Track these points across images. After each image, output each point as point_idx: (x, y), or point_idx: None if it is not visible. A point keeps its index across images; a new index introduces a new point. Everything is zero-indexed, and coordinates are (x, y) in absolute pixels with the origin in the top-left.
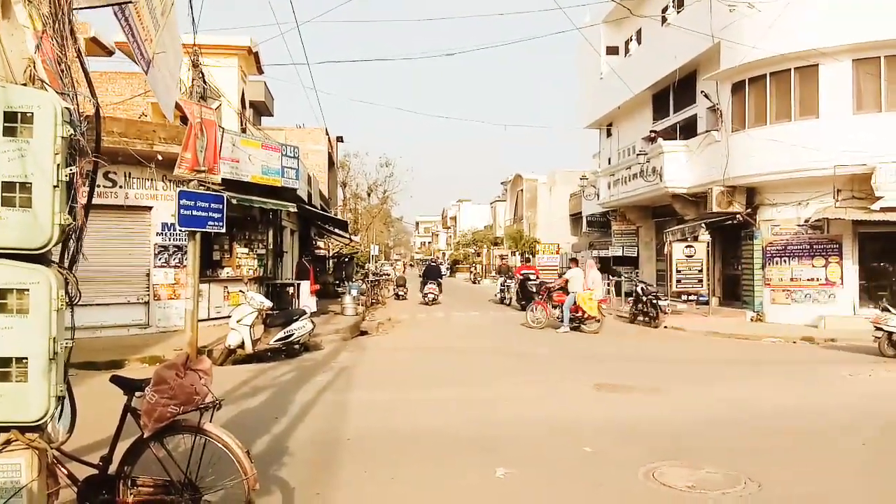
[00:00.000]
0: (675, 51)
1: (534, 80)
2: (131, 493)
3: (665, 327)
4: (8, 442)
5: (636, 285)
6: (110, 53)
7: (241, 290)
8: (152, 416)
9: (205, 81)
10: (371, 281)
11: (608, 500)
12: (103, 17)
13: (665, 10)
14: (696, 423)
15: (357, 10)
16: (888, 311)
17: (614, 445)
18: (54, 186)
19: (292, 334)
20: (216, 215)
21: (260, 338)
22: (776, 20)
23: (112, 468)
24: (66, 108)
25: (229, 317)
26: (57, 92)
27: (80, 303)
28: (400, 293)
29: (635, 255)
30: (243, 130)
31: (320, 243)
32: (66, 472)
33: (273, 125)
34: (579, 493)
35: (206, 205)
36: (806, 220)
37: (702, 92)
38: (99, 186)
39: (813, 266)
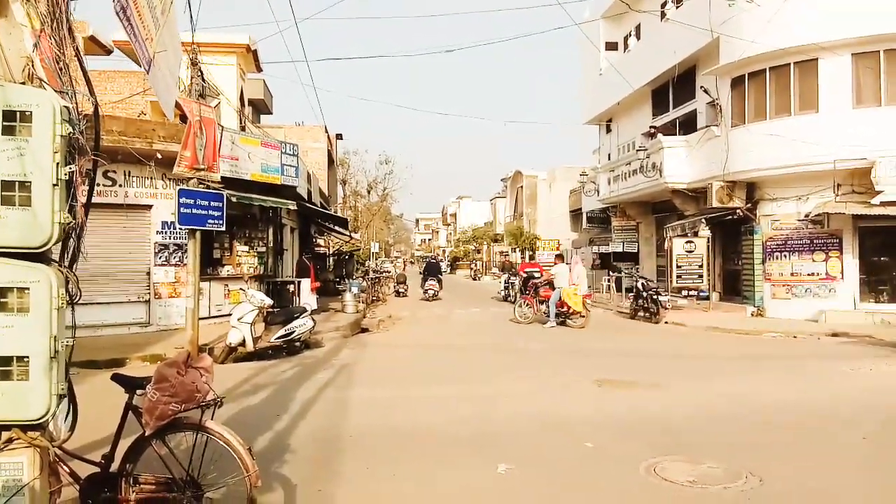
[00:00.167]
0: (674, 46)
1: (533, 77)
2: (133, 491)
3: (665, 323)
4: (10, 440)
5: (636, 281)
6: (109, 52)
7: (241, 288)
8: (154, 414)
9: (203, 79)
10: (371, 278)
11: (609, 496)
12: (101, 16)
13: (664, 5)
14: (696, 418)
15: (355, 8)
16: None
17: (615, 441)
18: (54, 185)
19: (293, 332)
20: (216, 213)
21: (261, 336)
22: (775, 15)
23: (114, 466)
24: (65, 106)
25: (230, 315)
26: (56, 90)
27: (80, 301)
28: (400, 290)
29: (635, 250)
30: (242, 128)
31: (320, 241)
32: (68, 470)
33: (272, 123)
34: (580, 488)
35: (206, 203)
36: (806, 215)
37: (701, 87)
38: (99, 185)
39: (813, 261)
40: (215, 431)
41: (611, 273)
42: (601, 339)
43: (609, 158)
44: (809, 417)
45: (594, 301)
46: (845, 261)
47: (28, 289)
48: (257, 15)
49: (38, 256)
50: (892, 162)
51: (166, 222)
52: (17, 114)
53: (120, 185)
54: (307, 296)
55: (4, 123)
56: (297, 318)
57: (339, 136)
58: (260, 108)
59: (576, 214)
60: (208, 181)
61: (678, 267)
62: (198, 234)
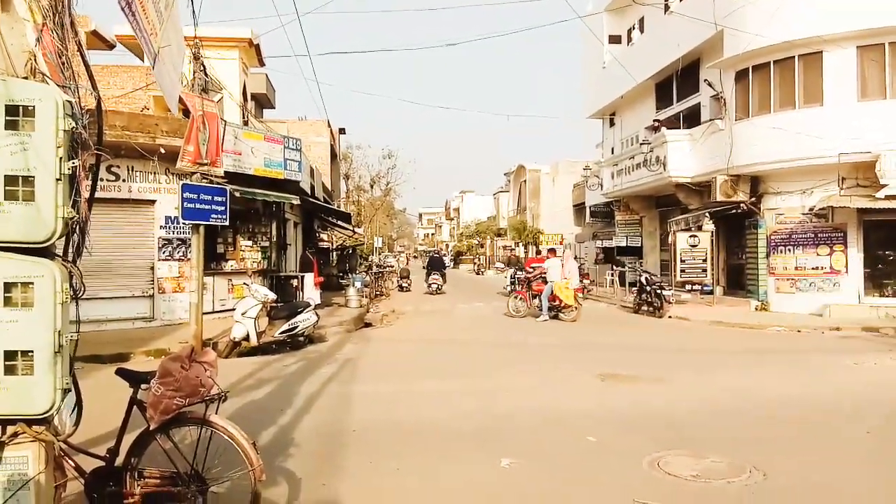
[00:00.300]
0: (677, 39)
1: (536, 70)
2: (138, 485)
3: (669, 317)
4: (15, 434)
5: (640, 275)
6: (111, 47)
7: (245, 283)
8: (158, 409)
9: (206, 74)
10: (375, 273)
11: (613, 490)
12: (104, 11)
13: None
14: (700, 412)
15: (357, 1)
16: None
17: (618, 435)
18: (57, 180)
19: (297, 326)
20: (219, 208)
21: (264, 330)
22: (780, 7)
23: (119, 460)
24: (68, 101)
25: (234, 309)
26: (58, 85)
27: (84, 296)
28: (404, 285)
29: (639, 244)
30: (245, 123)
31: (324, 235)
32: (73, 464)
33: (275, 117)
34: (583, 482)
35: (210, 198)
36: (810, 209)
37: (705, 80)
38: (102, 180)
39: (817, 254)
40: (220, 426)
41: (614, 267)
42: (605, 334)
43: (612, 152)
44: (813, 412)
45: (598, 296)
46: (850, 255)
47: (32, 284)
48: (260, 9)
49: (41, 251)
50: None
51: (170, 217)
52: (20, 108)
53: (123, 180)
54: (311, 290)
55: (7, 118)
56: (301, 312)
57: (341, 131)
58: (263, 102)
59: (579, 208)
60: (211, 176)
61: (682, 261)
62: (201, 229)
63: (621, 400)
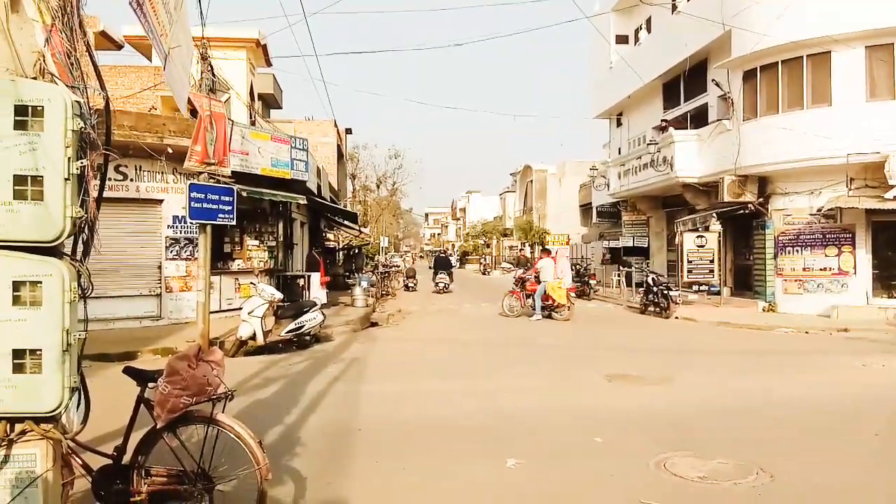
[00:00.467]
0: (685, 39)
1: (543, 71)
2: (145, 483)
3: (676, 318)
4: (23, 432)
5: (647, 276)
6: (119, 47)
7: (252, 282)
8: (165, 407)
9: (214, 74)
10: (381, 272)
11: (619, 491)
12: (112, 11)
13: None
14: (707, 413)
15: (364, 2)
16: None
17: (625, 436)
18: (65, 179)
19: (303, 326)
20: (226, 208)
21: (271, 329)
22: (788, 7)
23: (126, 458)
24: (77, 101)
25: (240, 309)
26: (67, 85)
27: (92, 295)
28: (410, 284)
29: (646, 245)
30: (252, 123)
31: (330, 235)
32: (80, 462)
33: (282, 117)
34: (590, 483)
35: (217, 197)
36: (818, 209)
37: (713, 80)
38: (110, 180)
39: (825, 255)
40: (226, 424)
41: (621, 268)
42: (611, 334)
43: (619, 152)
44: (821, 413)
45: (605, 296)
46: (858, 255)
47: (41, 282)
48: (267, 10)
49: (50, 250)
50: None
51: (177, 217)
52: (29, 108)
53: (131, 180)
54: (317, 290)
55: (16, 118)
56: (307, 312)
57: (348, 131)
58: (270, 102)
59: (586, 209)
60: (219, 176)
61: (689, 262)
62: (208, 229)
63: (628, 400)
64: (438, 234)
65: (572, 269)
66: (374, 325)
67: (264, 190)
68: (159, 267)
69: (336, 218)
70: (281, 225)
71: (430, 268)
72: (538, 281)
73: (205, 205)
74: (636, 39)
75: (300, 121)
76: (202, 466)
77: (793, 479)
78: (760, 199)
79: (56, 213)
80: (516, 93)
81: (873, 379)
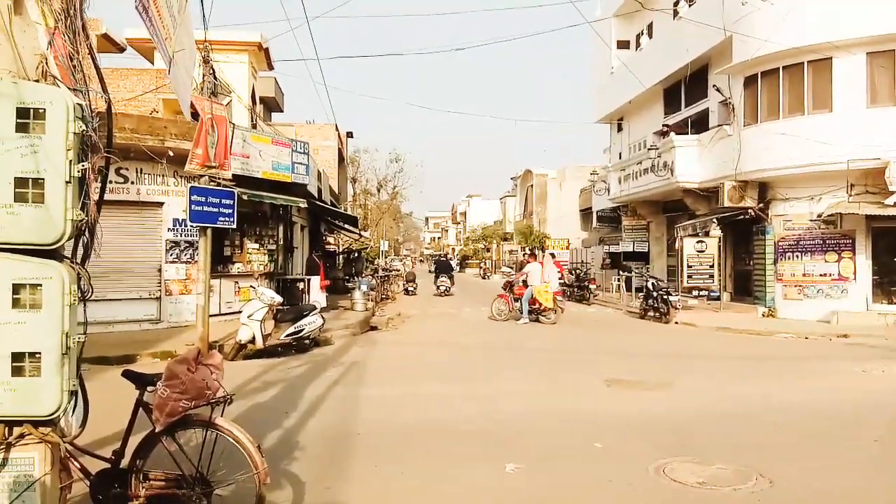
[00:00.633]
0: (686, 44)
1: (544, 76)
2: (143, 487)
3: (676, 323)
4: (21, 436)
5: (647, 281)
6: (121, 50)
7: (251, 286)
8: (164, 411)
9: (215, 77)
10: (381, 276)
11: (618, 496)
12: (114, 14)
13: (677, 3)
14: (707, 418)
15: (366, 6)
16: None
17: (624, 441)
18: (66, 182)
19: (302, 329)
20: (227, 211)
21: (270, 333)
22: (789, 13)
23: (124, 462)
24: (78, 104)
25: (240, 312)
26: (69, 88)
27: (92, 298)
28: (409, 288)
29: (646, 250)
30: (254, 126)
31: (330, 239)
32: (78, 465)
33: (283, 121)
34: (589, 488)
35: (217, 200)
36: (819, 215)
37: (714, 86)
38: (111, 182)
39: (825, 261)
40: (225, 428)
41: (621, 272)
42: (611, 339)
43: (620, 157)
44: (821, 419)
45: (604, 301)
46: (858, 261)
47: (41, 285)
48: (269, 13)
49: (50, 253)
50: None
51: (178, 219)
52: (31, 111)
53: (132, 183)
54: (317, 293)
55: (18, 121)
56: (307, 315)
57: (349, 135)
58: (271, 106)
59: (586, 213)
60: (219, 179)
61: (689, 267)
62: (209, 232)
63: (627, 405)
64: (439, 238)
65: (572, 274)
66: (373, 328)
67: (265, 193)
68: (159, 270)
69: (336, 221)
70: (281, 228)
71: (430, 271)
72: (526, 285)
73: (205, 208)
74: (637, 45)
75: (301, 124)
76: (200, 470)
77: (792, 485)
78: (761, 205)
79: (57, 216)
80: (518, 97)
81: (873, 385)
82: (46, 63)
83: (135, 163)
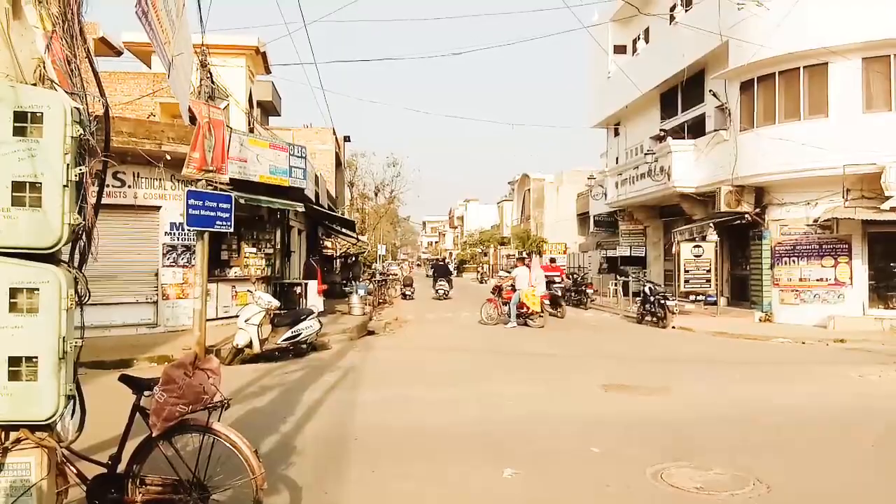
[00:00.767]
0: (683, 49)
1: (541, 80)
2: (140, 492)
3: (673, 327)
4: (18, 440)
5: (644, 285)
6: (119, 54)
7: (248, 290)
8: (161, 416)
9: (213, 81)
10: (378, 281)
11: (616, 501)
12: (111, 18)
13: (673, 8)
14: (704, 423)
15: (363, 10)
16: None
17: (622, 445)
18: (64, 186)
19: (300, 334)
20: (224, 215)
21: (267, 337)
22: (785, 18)
23: (121, 467)
24: (76, 107)
25: (237, 316)
26: (66, 92)
27: (88, 302)
28: (407, 293)
29: (643, 254)
30: (251, 130)
31: (328, 243)
32: (75, 470)
33: (280, 125)
34: (587, 493)
35: (215, 204)
36: (815, 220)
37: (710, 91)
38: (108, 186)
39: (822, 266)
40: (222, 433)
41: (618, 277)
42: (608, 344)
43: (617, 162)
44: (818, 424)
45: (601, 305)
46: (854, 266)
47: (38, 289)
48: (266, 17)
49: (47, 257)
50: None
51: (175, 223)
52: (29, 115)
53: (129, 187)
54: (314, 298)
55: (16, 124)
56: (304, 320)
57: (346, 139)
58: (268, 109)
59: (583, 218)
60: (217, 183)
61: (686, 271)
62: (206, 236)
63: (625, 410)
64: (436, 243)
65: (569, 278)
66: (371, 333)
67: (262, 197)
68: (156, 274)
69: (334, 226)
70: (278, 232)
71: (427, 276)
72: (514, 289)
73: (202, 212)
74: (634, 50)
75: (299, 128)
76: (197, 476)
77: (789, 490)
78: (757, 210)
79: (54, 220)
80: (515, 102)
81: (870, 389)
82: (44, 67)
83: (132, 167)
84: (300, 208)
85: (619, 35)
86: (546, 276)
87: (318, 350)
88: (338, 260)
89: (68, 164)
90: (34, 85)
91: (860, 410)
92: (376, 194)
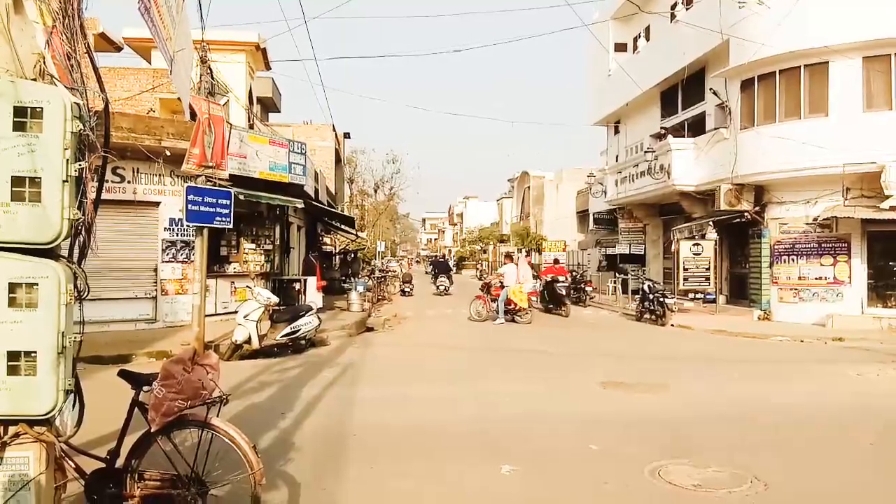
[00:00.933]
0: (683, 48)
1: (542, 78)
2: (138, 487)
3: (672, 325)
4: (17, 435)
5: (643, 283)
6: (119, 49)
7: (247, 286)
8: (159, 411)
9: (213, 77)
10: (377, 277)
11: (614, 499)
12: (111, 13)
13: (674, 6)
14: (702, 421)
15: (363, 7)
16: None
17: (620, 443)
18: (63, 181)
19: (299, 330)
20: (224, 211)
21: (266, 333)
22: (786, 17)
23: (119, 462)
24: (76, 103)
25: (236, 312)
26: (66, 87)
27: (88, 297)
28: (406, 289)
29: (642, 252)
30: (251, 126)
31: (327, 239)
32: (73, 465)
33: (280, 121)
34: (585, 491)
35: (214, 200)
36: (814, 219)
37: (710, 89)
38: (107, 182)
39: (821, 265)
40: (220, 429)
41: (617, 275)
42: (606, 341)
43: (617, 160)
44: (816, 422)
45: (600, 303)
46: (853, 265)
47: (37, 284)
48: (267, 13)
49: (47, 252)
50: None
51: (174, 219)
52: (29, 110)
53: (128, 182)
54: (313, 294)
55: (16, 119)
56: (303, 316)
57: (346, 135)
58: (268, 106)
59: (583, 216)
60: (216, 179)
61: (685, 269)
62: (205, 232)
63: (623, 408)
64: (435, 240)
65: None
66: (369, 329)
67: (261, 193)
68: (155, 269)
69: (333, 222)
70: (278, 228)
71: (426, 272)
72: (503, 286)
73: (202, 207)
74: (635, 48)
75: (298, 125)
76: (196, 471)
77: (787, 488)
78: (757, 208)
79: (53, 215)
80: (516, 99)
81: (868, 388)
82: (44, 62)
83: (131, 162)
84: (300, 205)
85: (619, 33)
86: (550, 277)
87: (317, 346)
88: (337, 256)
89: (68, 160)
90: (34, 80)
91: (858, 409)
92: (376, 191)
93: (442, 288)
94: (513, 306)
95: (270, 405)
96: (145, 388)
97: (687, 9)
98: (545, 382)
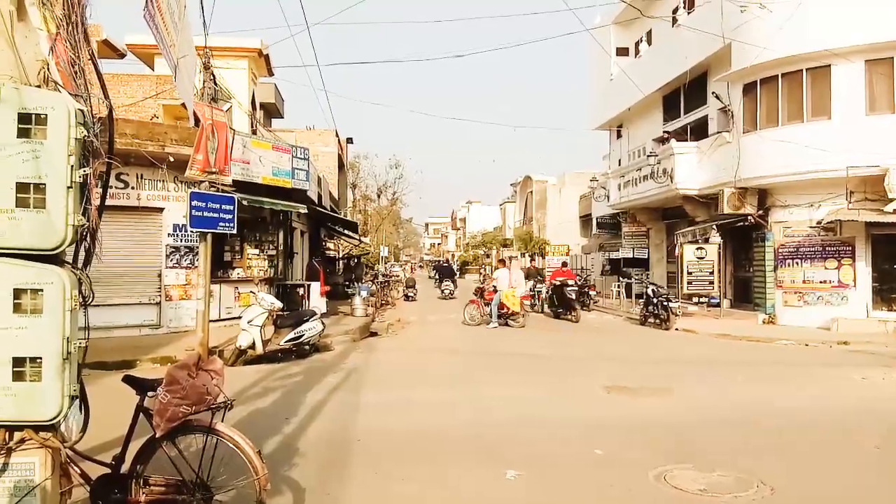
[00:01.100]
0: (685, 52)
1: (544, 83)
2: (143, 493)
3: (676, 329)
4: (22, 441)
5: (647, 287)
6: (122, 56)
7: (251, 291)
8: (164, 416)
9: (216, 83)
10: (380, 282)
11: (619, 503)
12: (115, 20)
13: (676, 10)
14: (707, 425)
15: (366, 13)
16: None
17: (624, 448)
18: (68, 187)
19: (303, 335)
20: (227, 216)
21: (270, 338)
22: (788, 21)
23: (124, 467)
24: (80, 109)
25: (240, 317)
26: (70, 94)
27: (92, 303)
28: (409, 294)
29: (646, 256)
30: (254, 132)
31: (330, 244)
32: (79, 470)
33: (283, 127)
34: (589, 495)
35: (217, 206)
36: (818, 222)
37: (713, 93)
38: (111, 188)
39: (825, 268)
40: (225, 434)
41: (621, 279)
42: (610, 346)
43: (619, 164)
44: (821, 426)
45: (604, 307)
46: (858, 268)
47: (42, 290)
48: (269, 19)
49: (52, 258)
50: None
51: (178, 225)
52: (33, 116)
53: (132, 188)
54: (317, 299)
55: (20, 126)
56: (307, 321)
57: (349, 140)
58: (271, 111)
59: (586, 220)
60: (220, 184)
61: (689, 273)
62: (209, 237)
63: (627, 412)
64: (438, 244)
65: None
66: (373, 334)
67: (265, 199)
68: (159, 275)
69: (336, 227)
70: (281, 234)
71: (429, 277)
72: (496, 291)
73: (205, 213)
74: (637, 52)
75: (301, 130)
76: (201, 476)
77: (792, 492)
78: (760, 212)
79: (58, 221)
80: (519, 104)
81: (873, 392)
82: (48, 69)
83: (135, 168)
84: (303, 210)
85: (621, 37)
86: (559, 280)
87: (321, 351)
88: (340, 261)
89: (72, 166)
90: (38, 87)
91: (863, 413)
92: (379, 196)
93: (447, 292)
94: (506, 310)
95: (275, 410)
96: (150, 394)
97: (689, 13)
98: (548, 387)
